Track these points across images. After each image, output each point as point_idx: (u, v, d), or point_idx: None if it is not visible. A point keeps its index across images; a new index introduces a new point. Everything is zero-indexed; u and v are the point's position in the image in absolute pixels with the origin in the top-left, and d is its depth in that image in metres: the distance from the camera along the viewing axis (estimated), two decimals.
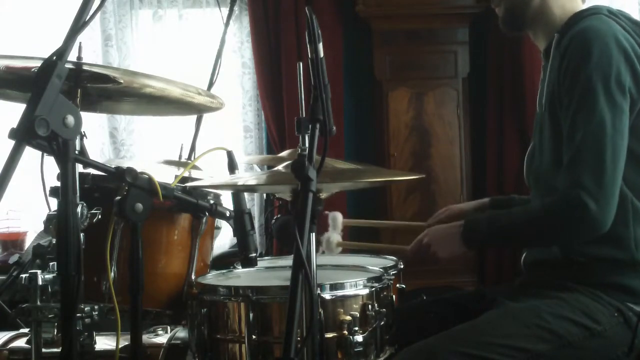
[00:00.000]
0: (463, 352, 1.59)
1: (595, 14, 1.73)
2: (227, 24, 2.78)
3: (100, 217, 1.68)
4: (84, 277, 1.37)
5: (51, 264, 1.69)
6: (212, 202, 1.86)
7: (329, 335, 1.61)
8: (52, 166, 1.44)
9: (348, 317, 1.63)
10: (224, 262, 2.25)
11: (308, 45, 1.38)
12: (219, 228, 2.05)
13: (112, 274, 1.77)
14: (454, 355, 1.59)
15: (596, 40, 1.64)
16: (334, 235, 1.95)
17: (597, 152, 1.60)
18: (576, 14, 1.77)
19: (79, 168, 1.65)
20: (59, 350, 1.36)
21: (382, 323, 1.71)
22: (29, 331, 1.73)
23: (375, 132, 4.38)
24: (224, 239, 3.97)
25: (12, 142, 1.22)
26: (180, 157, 2.49)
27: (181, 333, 2.04)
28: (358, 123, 4.49)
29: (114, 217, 1.66)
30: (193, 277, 1.90)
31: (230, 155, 1.93)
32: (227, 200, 1.94)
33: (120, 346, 1.66)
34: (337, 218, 2.02)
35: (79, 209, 1.38)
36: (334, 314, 1.63)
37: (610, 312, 1.66)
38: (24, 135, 1.20)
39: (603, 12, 1.74)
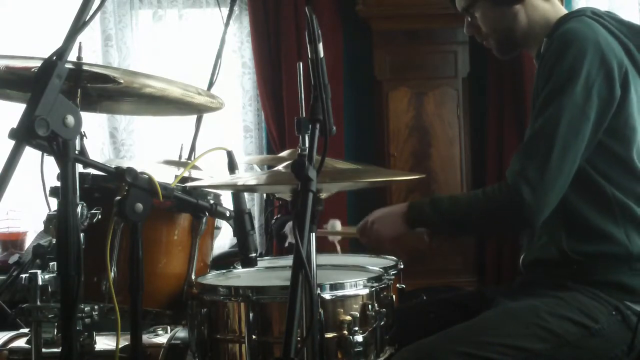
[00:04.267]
0: (462, 352, 1.59)
1: (578, 16, 1.76)
2: (227, 24, 2.78)
3: (100, 217, 1.68)
4: (84, 277, 1.37)
5: (51, 264, 1.68)
6: (212, 202, 1.86)
7: (329, 335, 1.61)
8: (52, 166, 1.45)
9: (348, 317, 1.63)
10: (224, 262, 2.25)
11: (308, 45, 1.38)
12: (219, 228, 2.05)
13: (112, 274, 1.77)
14: (453, 355, 1.59)
15: (573, 41, 1.67)
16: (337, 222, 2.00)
17: (546, 145, 1.64)
18: (562, 18, 1.81)
19: (79, 168, 1.65)
20: (59, 350, 1.36)
21: (382, 323, 1.71)
22: (29, 331, 1.73)
23: (375, 132, 4.38)
24: (224, 239, 3.97)
25: (12, 142, 1.22)
26: (180, 157, 2.48)
27: (181, 333, 2.04)
28: (358, 123, 4.49)
29: (114, 217, 1.66)
30: (193, 277, 1.90)
31: (230, 155, 1.93)
32: (227, 200, 1.94)
33: (120, 346, 1.66)
34: (336, 225, 2.04)
35: (79, 209, 1.38)
36: (334, 314, 1.63)
37: (609, 311, 1.66)
38: (24, 135, 1.20)
39: (586, 13, 1.77)
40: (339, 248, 2.22)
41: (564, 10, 1.85)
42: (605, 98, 1.66)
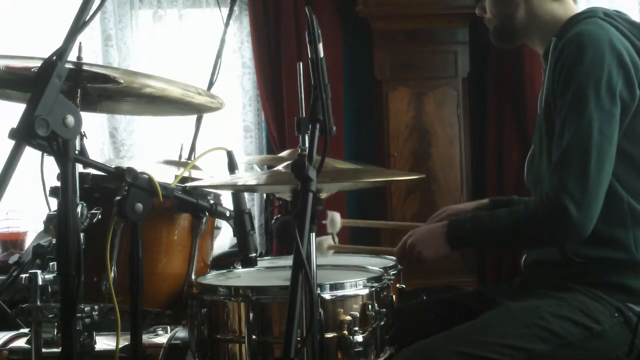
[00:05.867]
0: (463, 352, 1.59)
1: (591, 17, 1.73)
2: (227, 24, 2.78)
3: (100, 217, 1.68)
4: (84, 277, 1.37)
5: (51, 264, 1.69)
6: (212, 202, 1.86)
7: (329, 335, 1.61)
8: (52, 166, 1.44)
9: (348, 317, 1.63)
10: (224, 262, 2.25)
11: (308, 45, 1.38)
12: (219, 228, 2.05)
13: (112, 274, 1.77)
14: (453, 355, 1.59)
15: (589, 44, 1.64)
16: (327, 239, 1.94)
17: (582, 157, 1.61)
18: (572, 18, 1.77)
19: (79, 168, 1.65)
20: (59, 350, 1.36)
21: (382, 323, 1.71)
22: (29, 331, 1.73)
23: (375, 132, 4.38)
24: (224, 239, 3.97)
25: (12, 142, 1.22)
26: (180, 157, 2.49)
27: (181, 333, 2.04)
28: (358, 123, 4.49)
29: (114, 217, 1.66)
30: (193, 277, 1.90)
31: (230, 155, 1.93)
32: (227, 200, 1.94)
33: (120, 346, 1.66)
34: (335, 218, 2.01)
35: (79, 209, 1.38)
36: (334, 314, 1.63)
37: (611, 312, 1.66)
38: (24, 135, 1.20)
39: (598, 14, 1.74)
40: (336, 240, 2.19)
41: (575, 10, 1.82)
42: (627, 100, 1.64)
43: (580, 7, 1.85)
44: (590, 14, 1.75)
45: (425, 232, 1.80)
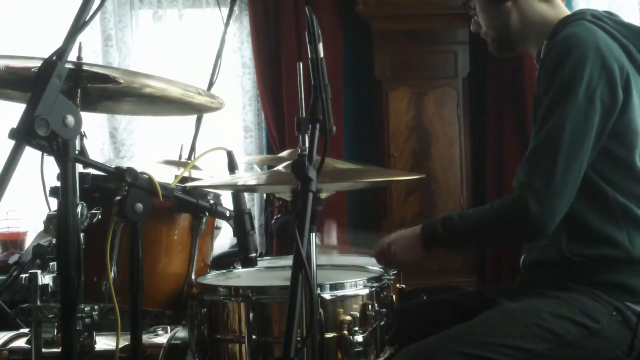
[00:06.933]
0: (462, 352, 1.59)
1: (579, 20, 1.75)
2: (227, 24, 2.78)
3: (100, 217, 1.68)
4: (84, 277, 1.37)
5: (51, 264, 1.69)
6: (212, 202, 1.86)
7: (329, 335, 1.62)
8: (52, 166, 1.45)
9: (348, 317, 1.63)
10: (224, 262, 2.25)
11: (308, 45, 1.38)
12: (219, 228, 2.05)
13: (112, 274, 1.77)
14: (453, 355, 1.59)
15: (574, 47, 1.66)
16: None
17: (551, 156, 1.63)
18: (562, 20, 1.80)
19: (79, 168, 1.65)
20: (59, 350, 1.36)
21: (382, 323, 1.71)
22: (29, 331, 1.73)
23: (375, 132, 4.38)
24: (224, 239, 3.97)
25: (12, 142, 1.22)
26: (180, 157, 2.49)
27: (181, 333, 2.04)
28: (358, 123, 4.49)
29: (114, 217, 1.66)
30: (193, 277, 1.90)
31: (230, 155, 1.93)
32: (227, 200, 1.94)
33: (120, 346, 1.66)
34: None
35: (79, 209, 1.38)
36: (334, 314, 1.63)
37: (609, 311, 1.66)
38: (24, 135, 1.20)
39: (586, 17, 1.76)
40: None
41: (565, 12, 1.84)
42: (608, 103, 1.66)
43: (580, 6, 1.86)
44: (578, 17, 1.77)
45: (403, 235, 1.86)
